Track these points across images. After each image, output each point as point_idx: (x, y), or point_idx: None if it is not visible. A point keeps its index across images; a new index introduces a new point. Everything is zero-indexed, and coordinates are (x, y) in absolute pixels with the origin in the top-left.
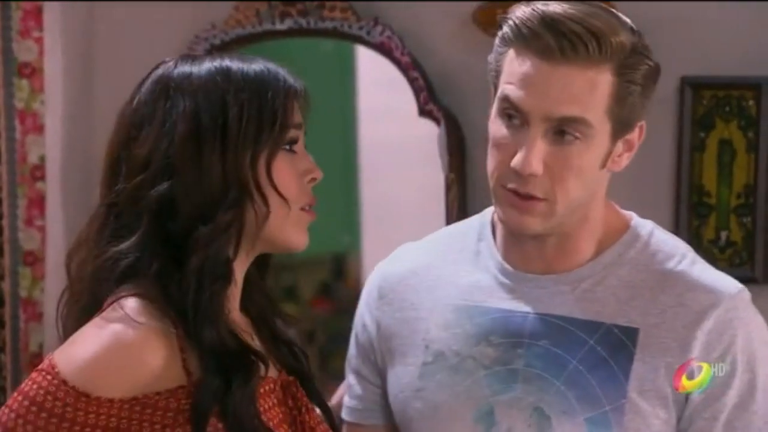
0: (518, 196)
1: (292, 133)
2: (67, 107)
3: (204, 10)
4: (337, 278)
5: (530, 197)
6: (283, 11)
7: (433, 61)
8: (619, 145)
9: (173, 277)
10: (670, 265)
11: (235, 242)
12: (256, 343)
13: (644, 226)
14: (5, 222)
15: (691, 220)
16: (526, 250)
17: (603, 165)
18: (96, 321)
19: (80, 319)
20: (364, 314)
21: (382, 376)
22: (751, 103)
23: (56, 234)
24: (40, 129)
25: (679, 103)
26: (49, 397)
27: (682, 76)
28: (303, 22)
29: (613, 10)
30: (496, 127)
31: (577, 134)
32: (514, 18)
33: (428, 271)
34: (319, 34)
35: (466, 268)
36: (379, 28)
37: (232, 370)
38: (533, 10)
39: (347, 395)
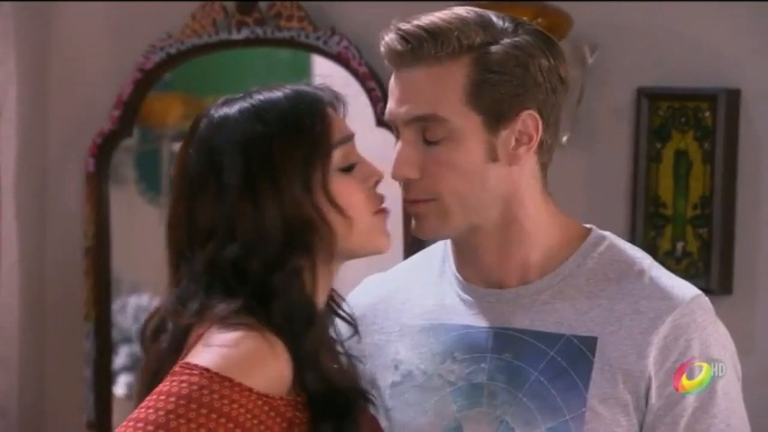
0: (409, 202)
1: (340, 151)
2: (22, 116)
3: (160, 19)
4: None
5: (417, 200)
6: (239, 21)
7: (390, 71)
8: (511, 138)
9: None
10: (627, 274)
11: (311, 281)
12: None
13: (602, 236)
14: None
15: (647, 231)
16: (470, 263)
17: (491, 159)
18: (216, 334)
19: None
20: None
21: None
22: (707, 114)
23: (10, 243)
24: None
25: (635, 114)
26: (205, 391)
27: (638, 87)
28: (260, 31)
29: (488, 13)
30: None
31: (439, 134)
32: (381, 39)
33: (396, 295)
34: (275, 44)
35: (431, 290)
36: (336, 38)
37: (340, 411)
38: (391, 27)
39: None
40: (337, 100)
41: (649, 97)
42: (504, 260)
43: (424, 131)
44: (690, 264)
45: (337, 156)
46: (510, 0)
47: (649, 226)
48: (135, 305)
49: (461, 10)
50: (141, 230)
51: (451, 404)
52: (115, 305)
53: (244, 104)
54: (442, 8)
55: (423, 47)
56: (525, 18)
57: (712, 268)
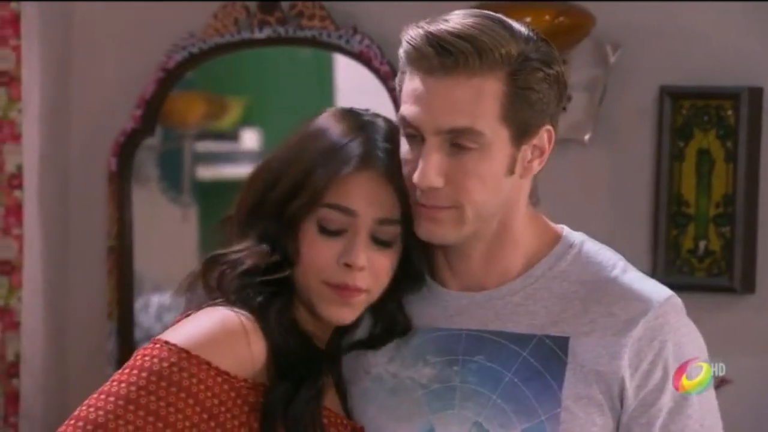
0: (426, 207)
1: (324, 212)
2: (45, 115)
3: (182, 18)
4: None
5: (437, 207)
6: (261, 20)
7: None
8: (527, 152)
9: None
10: (601, 276)
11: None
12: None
13: (575, 237)
14: None
15: (670, 230)
16: (454, 268)
17: (510, 171)
18: (200, 312)
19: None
20: None
21: None
22: (729, 112)
23: (33, 243)
24: (17, 137)
25: (657, 113)
26: (175, 369)
27: (660, 85)
28: (281, 30)
29: (507, 20)
30: (403, 146)
31: (471, 144)
32: (406, 38)
33: None
34: (297, 43)
35: None
36: (357, 37)
37: (300, 373)
38: (420, 29)
39: None
40: (385, 174)
41: (672, 96)
42: (489, 266)
43: (453, 140)
44: (712, 263)
45: (320, 214)
46: None
47: (671, 225)
48: (157, 304)
49: (487, 18)
50: (163, 229)
51: (423, 406)
52: (138, 304)
53: (301, 128)
54: (462, 7)
55: (467, 60)
56: (547, 17)
57: (734, 266)
